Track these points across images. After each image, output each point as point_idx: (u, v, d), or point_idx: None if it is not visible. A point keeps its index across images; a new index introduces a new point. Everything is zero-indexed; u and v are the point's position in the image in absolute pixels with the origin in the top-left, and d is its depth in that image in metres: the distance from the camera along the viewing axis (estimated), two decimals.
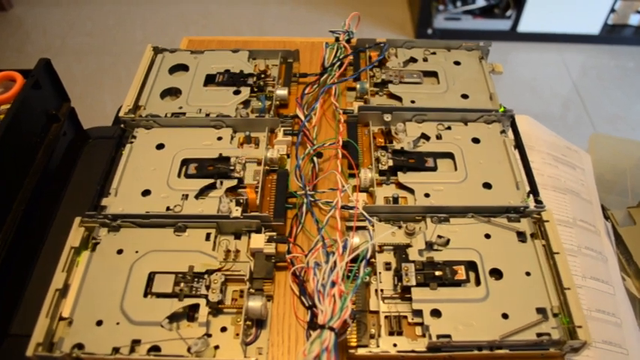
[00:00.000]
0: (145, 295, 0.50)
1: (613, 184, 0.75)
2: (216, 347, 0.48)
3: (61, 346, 0.47)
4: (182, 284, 0.50)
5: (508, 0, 2.00)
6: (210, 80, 0.69)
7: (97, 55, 2.01)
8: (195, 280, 0.50)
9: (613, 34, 2.07)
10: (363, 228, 0.54)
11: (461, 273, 0.51)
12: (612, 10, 1.99)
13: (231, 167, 0.59)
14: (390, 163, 0.58)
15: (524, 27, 2.02)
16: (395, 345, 0.47)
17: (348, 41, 0.72)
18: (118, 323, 0.47)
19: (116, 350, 0.46)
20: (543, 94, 1.91)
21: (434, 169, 0.59)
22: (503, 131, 0.63)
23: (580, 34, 2.05)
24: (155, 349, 0.46)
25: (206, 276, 0.50)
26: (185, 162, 0.60)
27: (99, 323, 0.48)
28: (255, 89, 0.68)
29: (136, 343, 0.46)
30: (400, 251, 0.52)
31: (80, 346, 0.46)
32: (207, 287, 0.49)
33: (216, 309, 0.49)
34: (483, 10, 2.02)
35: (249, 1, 2.23)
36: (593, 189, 0.70)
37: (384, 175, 0.58)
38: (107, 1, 2.23)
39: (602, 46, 2.10)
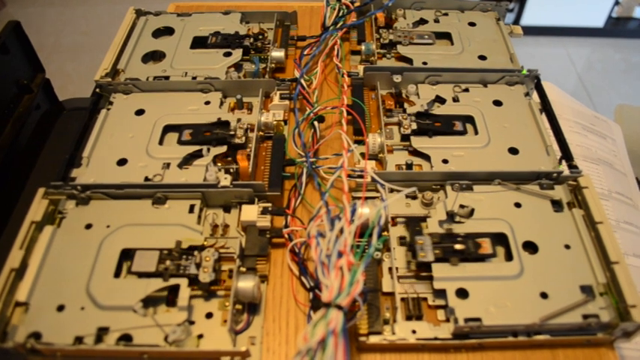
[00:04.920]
0: (117, 276, 0.42)
1: None
2: (200, 336, 0.40)
3: (14, 335, 0.39)
4: (168, 262, 0.42)
5: None
6: (198, 43, 0.62)
7: (91, 53, 1.95)
8: (184, 257, 0.42)
9: (618, 26, 2.02)
10: (373, 199, 0.47)
11: (486, 246, 0.43)
12: (617, 3, 1.94)
13: (232, 132, 0.51)
14: (414, 126, 0.51)
15: (527, 20, 1.97)
16: (414, 332, 0.40)
17: (351, 3, 0.65)
18: (82, 308, 0.40)
19: (79, 340, 0.38)
20: None
21: (463, 132, 0.52)
22: (527, 94, 0.56)
23: (584, 27, 2.00)
24: (126, 338, 0.38)
25: (196, 252, 0.42)
26: (168, 128, 0.53)
27: (60, 308, 0.40)
28: (255, 51, 0.60)
29: (103, 331, 0.39)
30: (414, 223, 0.45)
31: (37, 336, 0.39)
32: (198, 265, 0.42)
33: (207, 291, 0.42)
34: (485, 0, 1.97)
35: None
36: (626, 160, 0.63)
37: (406, 140, 0.51)
38: (101, 1, 2.17)
39: (607, 39, 2.05)
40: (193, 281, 0.42)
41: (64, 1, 2.15)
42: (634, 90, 1.86)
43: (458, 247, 0.42)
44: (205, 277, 0.41)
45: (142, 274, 0.42)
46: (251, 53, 0.61)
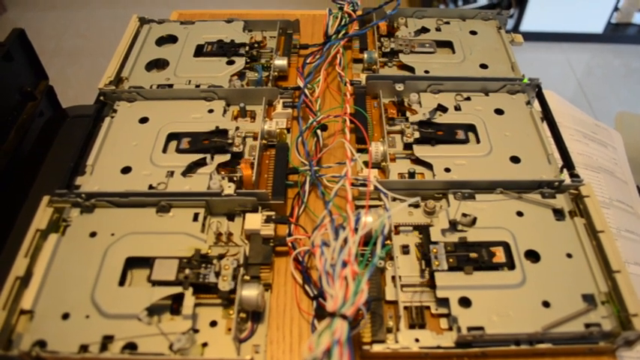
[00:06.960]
0: (121, 284, 0.42)
1: None
2: (205, 344, 0.40)
3: (19, 343, 0.39)
4: (187, 270, 0.42)
5: None
6: (201, 51, 0.63)
7: (92, 57, 1.95)
8: (203, 265, 0.42)
9: (617, 32, 2.03)
10: (376, 208, 0.47)
11: (499, 255, 0.43)
12: (616, 9, 1.95)
13: (230, 141, 0.51)
14: (417, 135, 0.51)
15: (526, 26, 1.98)
16: (417, 340, 0.40)
17: (353, 12, 0.66)
18: (87, 316, 0.40)
19: (84, 348, 0.39)
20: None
21: (465, 141, 0.52)
22: (528, 102, 0.57)
23: (584, 32, 2.01)
24: (131, 346, 0.39)
25: (215, 261, 0.42)
26: (172, 137, 0.53)
27: (65, 316, 0.40)
28: (250, 59, 0.61)
29: (108, 339, 0.39)
30: (426, 231, 0.45)
31: (42, 344, 0.39)
32: (217, 274, 0.42)
33: (227, 300, 0.42)
34: (485, 9, 1.98)
35: (247, 3, 2.19)
36: (627, 168, 0.64)
37: (409, 149, 0.52)
38: (101, 4, 2.18)
39: (606, 45, 2.06)
40: (198, 289, 0.42)
41: (64, 5, 2.16)
42: (634, 95, 1.86)
43: (472, 255, 0.43)
44: (225, 285, 0.41)
45: (160, 283, 0.42)
46: (251, 62, 0.61)
